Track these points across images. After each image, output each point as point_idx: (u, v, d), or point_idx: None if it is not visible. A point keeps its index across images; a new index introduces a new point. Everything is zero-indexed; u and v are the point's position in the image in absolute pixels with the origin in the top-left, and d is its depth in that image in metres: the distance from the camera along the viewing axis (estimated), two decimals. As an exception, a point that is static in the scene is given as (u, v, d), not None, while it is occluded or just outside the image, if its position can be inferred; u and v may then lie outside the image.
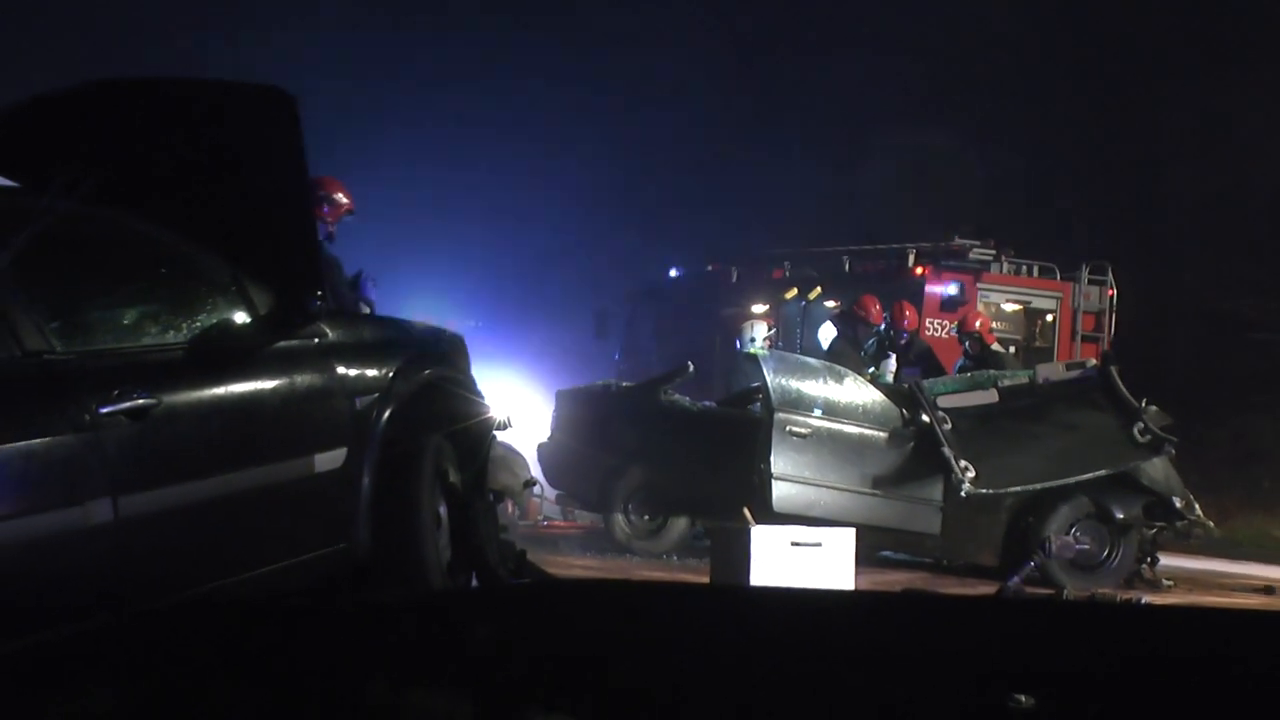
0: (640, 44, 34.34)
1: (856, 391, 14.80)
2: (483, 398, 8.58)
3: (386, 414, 7.58)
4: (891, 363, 16.04)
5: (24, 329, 6.11)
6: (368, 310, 11.90)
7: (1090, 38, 29.28)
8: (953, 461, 14.14)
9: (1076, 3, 28.96)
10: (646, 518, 16.51)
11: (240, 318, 7.08)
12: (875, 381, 15.28)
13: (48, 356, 6.16)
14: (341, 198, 11.40)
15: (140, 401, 6.33)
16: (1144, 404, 14.64)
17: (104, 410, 6.19)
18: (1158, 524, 14.74)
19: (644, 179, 31.04)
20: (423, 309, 13.18)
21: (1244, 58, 29.01)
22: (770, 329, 19.04)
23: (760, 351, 16.58)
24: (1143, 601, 12.48)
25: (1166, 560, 15.19)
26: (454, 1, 34.73)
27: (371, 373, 7.61)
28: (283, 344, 7.17)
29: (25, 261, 5.77)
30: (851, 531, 12.33)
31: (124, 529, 6.21)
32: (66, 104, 7.87)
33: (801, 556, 11.72)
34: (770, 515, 13.65)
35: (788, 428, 14.41)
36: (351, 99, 29.86)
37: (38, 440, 5.97)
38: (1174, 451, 14.70)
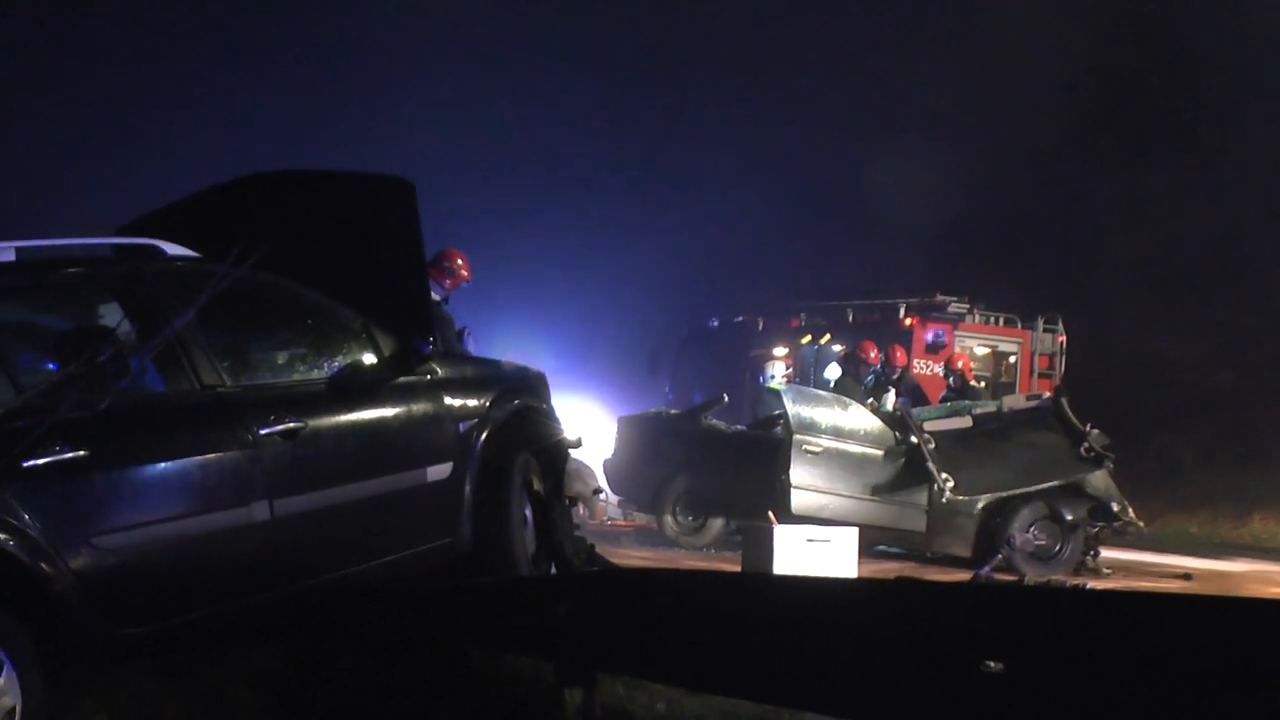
0: (679, 138, 34.58)
1: (858, 418, 14.75)
2: (560, 422, 8.58)
3: (484, 435, 7.57)
4: (892, 396, 15.94)
5: (202, 367, 6.18)
6: None
7: (1048, 129, 29.20)
8: (935, 473, 14.11)
9: (1029, 103, 28.88)
10: (690, 518, 16.45)
11: (369, 359, 7.10)
12: (875, 410, 15.22)
13: (219, 389, 6.23)
14: (462, 267, 11.30)
15: (291, 424, 6.38)
16: (1088, 427, 14.56)
17: (263, 431, 6.26)
18: (1099, 523, 14.63)
19: (689, 247, 31.04)
20: (513, 351, 13.19)
21: (1171, 146, 28.94)
22: (788, 367, 19.01)
23: (780, 386, 16.57)
24: (1087, 586, 12.37)
25: (1106, 553, 15.06)
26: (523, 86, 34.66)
27: (472, 402, 7.60)
28: (402, 379, 7.19)
29: (204, 315, 5.82)
30: (855, 530, 12.30)
31: (279, 526, 6.26)
32: (236, 190, 7.94)
33: (815, 550, 11.69)
34: (790, 517, 13.60)
35: (804, 447, 14.38)
36: (466, 186, 29.96)
37: (212, 455, 6.04)
38: (1112, 465, 14.63)
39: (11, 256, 6.00)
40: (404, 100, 33.27)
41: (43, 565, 5.34)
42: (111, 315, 6.31)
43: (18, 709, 5.16)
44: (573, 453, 8.98)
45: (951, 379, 17.25)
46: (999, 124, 28.93)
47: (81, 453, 5.50)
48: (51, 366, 5.91)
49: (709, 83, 34.33)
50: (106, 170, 27.17)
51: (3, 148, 27.04)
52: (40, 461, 5.33)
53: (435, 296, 10.50)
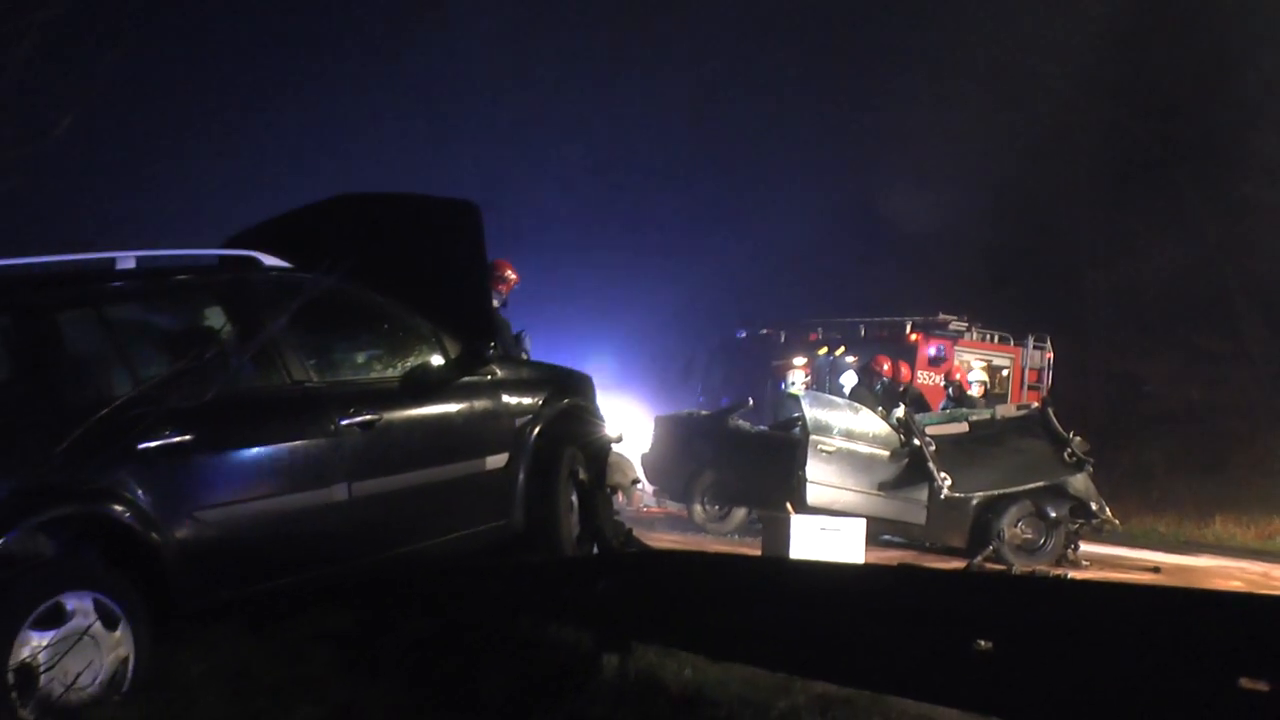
0: (709, 169, 34.72)
1: (868, 422, 14.72)
2: (603, 419, 8.58)
3: (536, 430, 7.59)
4: (899, 410, 15.84)
5: (292, 365, 6.24)
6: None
7: (1041, 171, 29.15)
8: (935, 473, 14.07)
9: (1025, 148, 28.85)
10: (717, 507, 16.42)
11: (437, 360, 7.14)
12: (884, 416, 15.15)
13: (307, 385, 6.29)
14: (511, 274, 11.20)
15: (368, 417, 6.44)
16: (1071, 435, 14.51)
17: (343, 422, 6.31)
18: (1079, 521, 14.56)
19: (720, 269, 31.07)
20: (564, 356, 13.20)
21: (1147, 189, 28.86)
22: (806, 375, 18.96)
23: (799, 392, 16.56)
24: (1068, 576, 12.30)
25: (1085, 547, 14.97)
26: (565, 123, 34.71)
27: (526, 401, 7.62)
28: (466, 379, 7.22)
29: (295, 319, 5.87)
30: (863, 521, 12.28)
31: (356, 505, 6.32)
32: (324, 210, 7.99)
33: (827, 538, 11.66)
34: (805, 508, 13.57)
35: (819, 446, 14.35)
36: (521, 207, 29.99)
37: (299, 442, 6.11)
38: (1091, 469, 14.57)
39: (133, 264, 6.09)
40: (470, 127, 33.46)
41: (153, 535, 5.44)
42: (216, 318, 6.39)
43: (131, 658, 5.26)
44: (614, 447, 8.99)
45: (950, 389, 17.23)
46: (997, 165, 28.94)
47: (187, 437, 5.58)
48: (163, 361, 5.98)
49: (744, 118, 34.36)
50: (211, 189, 27.41)
51: (119, 164, 27.26)
52: (152, 444, 5.42)
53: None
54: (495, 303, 10.57)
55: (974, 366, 18.53)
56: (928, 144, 30.02)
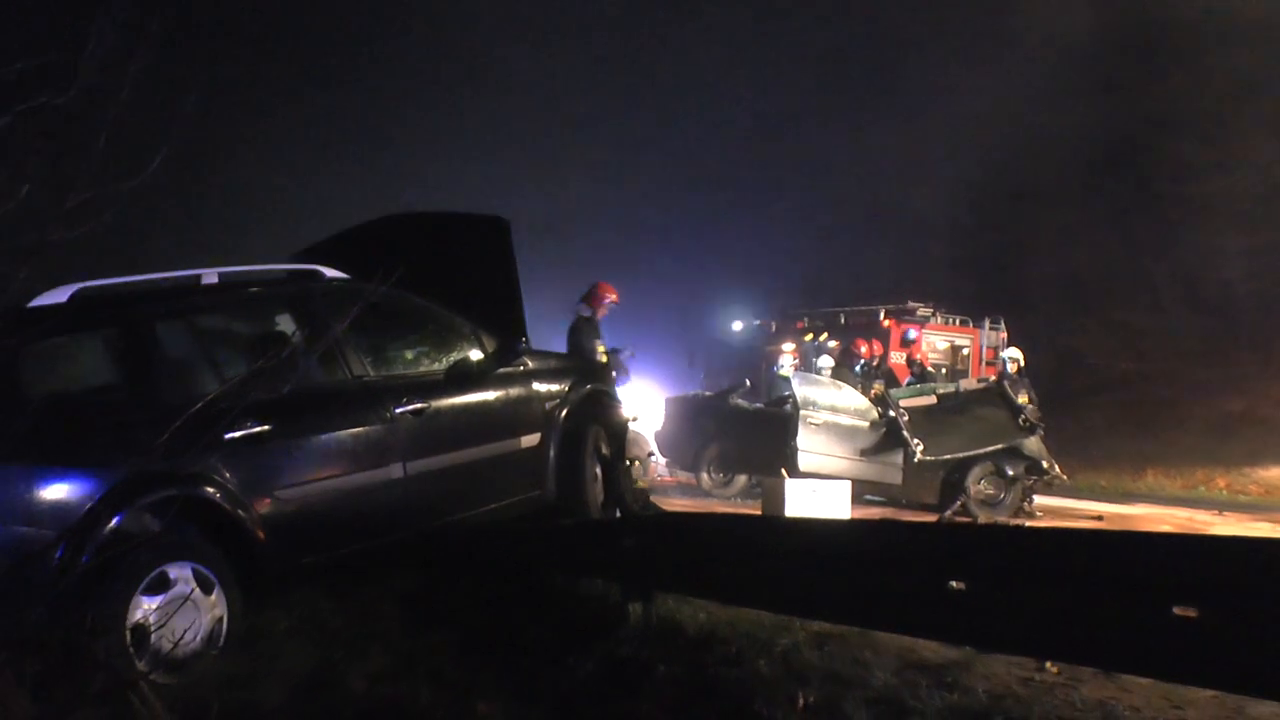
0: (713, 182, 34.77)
1: (849, 397, 14.72)
2: (621, 402, 8.61)
3: (564, 412, 7.62)
4: (876, 386, 15.81)
5: (353, 363, 6.28)
6: (625, 374, 12.76)
7: (991, 169, 29.22)
8: (909, 440, 14.05)
9: (979, 150, 28.92)
10: (721, 475, 16.42)
11: (476, 354, 7.17)
12: (863, 391, 15.16)
13: (365, 379, 6.32)
14: (611, 296, 11.22)
15: (419, 405, 6.48)
16: (1024, 403, 14.53)
17: (397, 410, 6.35)
18: (1033, 477, 14.52)
19: (718, 269, 31.16)
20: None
21: (1085, 187, 28.92)
22: (795, 358, 18.95)
23: (789, 373, 16.56)
24: (1025, 525, 12.31)
25: (1038, 499, 14.95)
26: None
27: (555, 387, 7.65)
28: (501, 370, 7.25)
29: (354, 322, 5.91)
30: (848, 483, 12.30)
31: (410, 482, 6.35)
32: (376, 227, 8.04)
33: (817, 498, 11.68)
34: (798, 474, 13.58)
35: (807, 419, 14.35)
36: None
37: (360, 428, 6.15)
38: (1043, 432, 14.56)
39: (215, 279, 6.15)
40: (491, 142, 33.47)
41: (240, 512, 5.50)
42: (286, 323, 6.43)
43: (225, 618, 5.34)
44: (631, 425, 9.01)
45: (913, 368, 17.29)
46: (956, 168, 29.04)
47: (266, 427, 5.63)
48: (243, 362, 6.03)
49: (737, 128, 34.41)
50: (276, 212, 27.50)
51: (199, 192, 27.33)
52: (237, 434, 5.47)
53: (584, 315, 10.82)
54: (585, 314, 10.80)
55: (1009, 348, 18.54)
56: (895, 151, 30.14)
